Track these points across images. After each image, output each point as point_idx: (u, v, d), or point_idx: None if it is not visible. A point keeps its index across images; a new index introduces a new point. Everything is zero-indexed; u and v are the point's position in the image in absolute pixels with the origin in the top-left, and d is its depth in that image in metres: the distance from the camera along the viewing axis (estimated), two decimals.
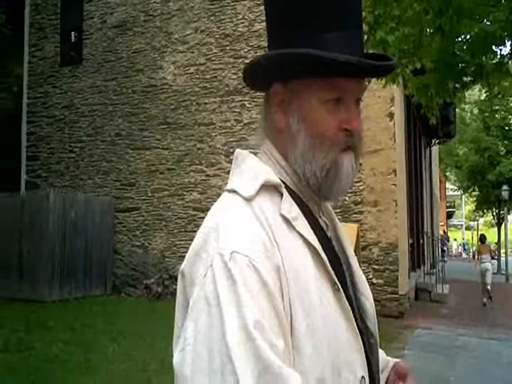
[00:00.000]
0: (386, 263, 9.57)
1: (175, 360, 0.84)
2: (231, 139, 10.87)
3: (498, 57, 5.73)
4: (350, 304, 0.95)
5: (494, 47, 5.55)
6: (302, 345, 0.85)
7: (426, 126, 13.82)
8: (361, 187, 9.66)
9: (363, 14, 5.05)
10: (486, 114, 24.33)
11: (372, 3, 4.94)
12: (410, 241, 11.70)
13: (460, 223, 53.21)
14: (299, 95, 0.94)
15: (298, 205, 0.95)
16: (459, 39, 5.68)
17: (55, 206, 10.58)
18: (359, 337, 0.94)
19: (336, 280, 0.92)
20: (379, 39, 4.95)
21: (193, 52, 11.41)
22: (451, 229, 45.79)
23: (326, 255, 0.92)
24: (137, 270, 11.58)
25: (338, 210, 9.57)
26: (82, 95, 12.56)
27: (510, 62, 5.65)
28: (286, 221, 0.91)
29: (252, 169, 0.95)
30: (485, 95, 12.42)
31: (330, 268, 0.92)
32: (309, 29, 0.91)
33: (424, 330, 8.82)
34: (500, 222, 26.13)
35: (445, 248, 37.03)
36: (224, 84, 11.03)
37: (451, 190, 41.00)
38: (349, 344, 0.92)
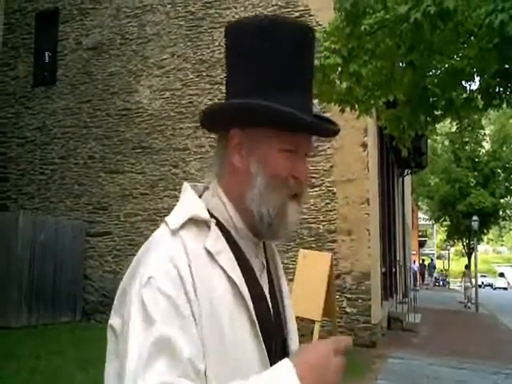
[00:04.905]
0: (359, 292, 9.57)
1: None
2: (206, 165, 10.86)
3: (468, 92, 5.90)
4: (271, 340, 1.03)
5: (463, 82, 5.72)
6: (212, 370, 0.91)
7: (398, 157, 14.05)
8: (334, 216, 9.71)
9: (337, 47, 5.17)
10: (457, 146, 24.89)
11: (346, 37, 5.05)
12: (383, 270, 11.76)
13: (432, 252, 53.80)
14: (258, 142, 1.04)
15: (229, 242, 1.02)
16: (430, 74, 5.84)
17: (24, 229, 10.33)
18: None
19: (253, 313, 0.99)
20: (352, 71, 5.05)
21: (169, 77, 11.45)
22: (423, 257, 46.22)
23: (250, 292, 1.00)
24: (108, 296, 11.34)
25: (312, 239, 9.60)
26: (55, 117, 12.43)
27: (478, 97, 5.81)
28: (209, 254, 0.98)
29: (186, 203, 1.05)
30: (455, 127, 12.70)
31: (249, 302, 0.99)
32: (268, 87, 1.00)
33: (396, 359, 8.81)
34: (470, 251, 26.50)
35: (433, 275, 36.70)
36: (200, 109, 10.99)
37: (423, 219, 41.57)
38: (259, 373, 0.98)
